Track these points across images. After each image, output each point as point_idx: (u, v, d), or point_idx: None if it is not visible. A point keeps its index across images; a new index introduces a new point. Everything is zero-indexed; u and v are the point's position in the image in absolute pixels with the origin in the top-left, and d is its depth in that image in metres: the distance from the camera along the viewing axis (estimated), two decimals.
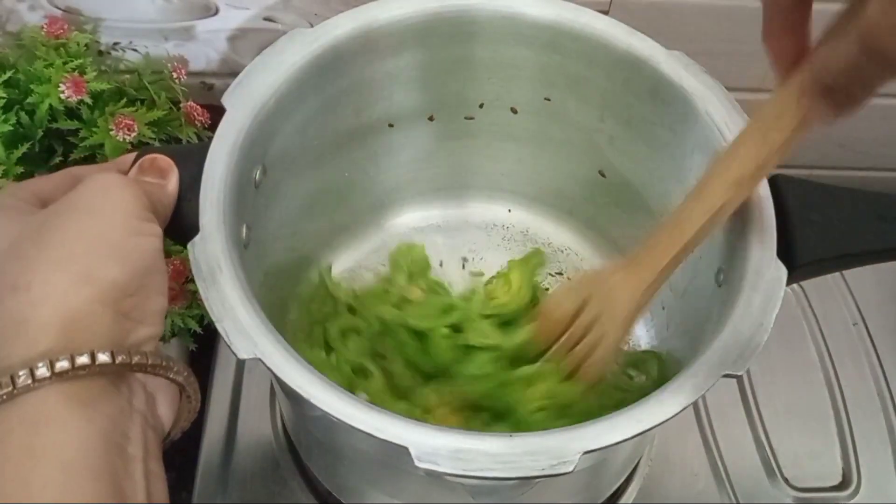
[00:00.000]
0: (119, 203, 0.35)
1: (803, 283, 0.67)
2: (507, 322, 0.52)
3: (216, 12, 0.60)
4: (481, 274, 0.59)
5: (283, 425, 0.57)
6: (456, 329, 0.51)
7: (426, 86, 0.53)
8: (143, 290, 0.34)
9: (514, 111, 0.56)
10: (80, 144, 0.53)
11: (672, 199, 0.51)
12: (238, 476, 0.56)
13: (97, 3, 0.59)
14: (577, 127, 0.54)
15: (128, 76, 0.59)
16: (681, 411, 0.36)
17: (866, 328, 0.66)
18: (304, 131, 0.49)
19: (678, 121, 0.48)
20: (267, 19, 0.61)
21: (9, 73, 0.52)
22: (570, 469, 0.33)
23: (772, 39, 0.34)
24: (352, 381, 0.50)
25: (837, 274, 0.68)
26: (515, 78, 0.53)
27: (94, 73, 0.54)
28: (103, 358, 0.31)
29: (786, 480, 0.59)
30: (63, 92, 0.52)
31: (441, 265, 0.59)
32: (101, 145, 0.53)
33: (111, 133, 0.52)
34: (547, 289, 0.58)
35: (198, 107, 0.58)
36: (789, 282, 0.40)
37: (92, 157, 0.53)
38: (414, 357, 0.50)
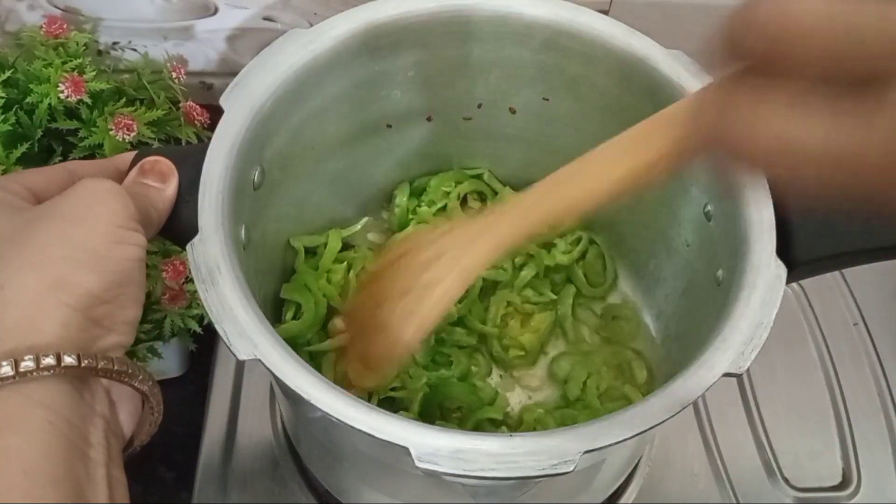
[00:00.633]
0: (104, 212, 0.35)
1: (803, 283, 0.67)
2: None
3: (215, 12, 0.60)
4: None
5: (283, 425, 0.57)
6: None
7: (424, 86, 0.53)
8: (118, 300, 0.34)
9: (512, 111, 0.56)
10: (80, 144, 0.53)
11: (670, 198, 0.51)
12: (238, 476, 0.56)
13: (96, 2, 0.59)
14: (575, 127, 0.54)
15: (127, 76, 0.59)
16: (681, 410, 0.36)
17: (866, 328, 0.66)
18: (301, 132, 0.49)
19: None
20: (266, 19, 0.61)
21: (8, 73, 0.52)
22: (571, 469, 0.33)
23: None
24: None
25: (837, 274, 0.68)
26: (514, 78, 0.53)
27: (94, 73, 0.54)
28: (69, 360, 0.31)
29: (786, 480, 0.59)
30: (62, 91, 0.52)
31: None
32: (101, 145, 0.53)
33: (110, 133, 0.52)
34: None
35: (197, 106, 0.58)
36: (789, 280, 0.40)
37: (91, 157, 0.53)
38: None
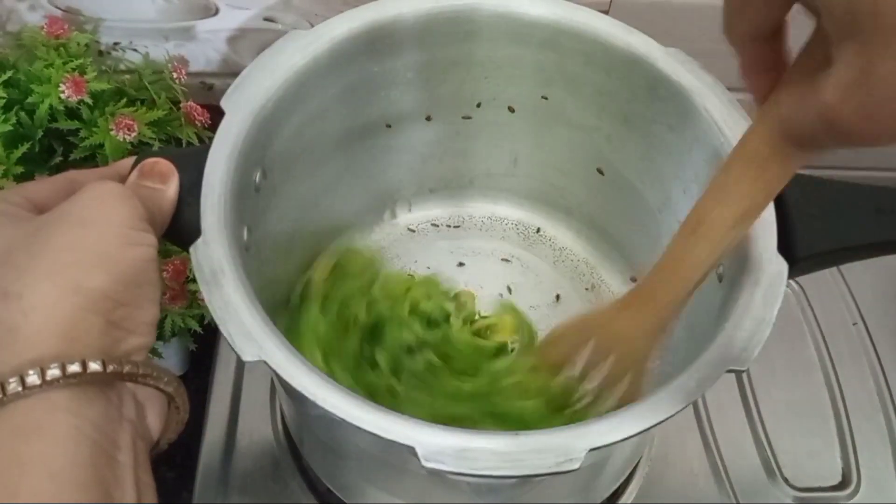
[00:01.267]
0: (113, 214, 0.35)
1: (803, 282, 0.68)
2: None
3: (216, 12, 0.60)
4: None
5: (284, 425, 0.57)
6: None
7: (424, 86, 0.53)
8: (135, 301, 0.34)
9: (511, 110, 0.56)
10: (81, 144, 0.53)
11: (671, 197, 0.51)
12: (238, 476, 0.56)
13: (97, 3, 0.59)
14: (574, 125, 0.54)
15: (128, 76, 0.59)
16: (686, 406, 0.36)
17: (866, 328, 0.66)
18: (302, 133, 0.49)
19: (676, 118, 0.48)
20: (267, 19, 0.61)
21: (9, 73, 0.52)
22: (577, 466, 0.33)
23: (748, 78, 0.32)
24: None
25: (837, 273, 0.68)
26: (513, 77, 0.53)
27: (95, 73, 0.54)
28: (94, 367, 0.31)
29: (786, 480, 0.59)
30: (63, 92, 0.52)
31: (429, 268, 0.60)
32: (102, 145, 0.53)
33: (111, 133, 0.52)
34: None
35: (198, 107, 0.58)
36: (789, 276, 0.40)
37: (92, 157, 0.53)
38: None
